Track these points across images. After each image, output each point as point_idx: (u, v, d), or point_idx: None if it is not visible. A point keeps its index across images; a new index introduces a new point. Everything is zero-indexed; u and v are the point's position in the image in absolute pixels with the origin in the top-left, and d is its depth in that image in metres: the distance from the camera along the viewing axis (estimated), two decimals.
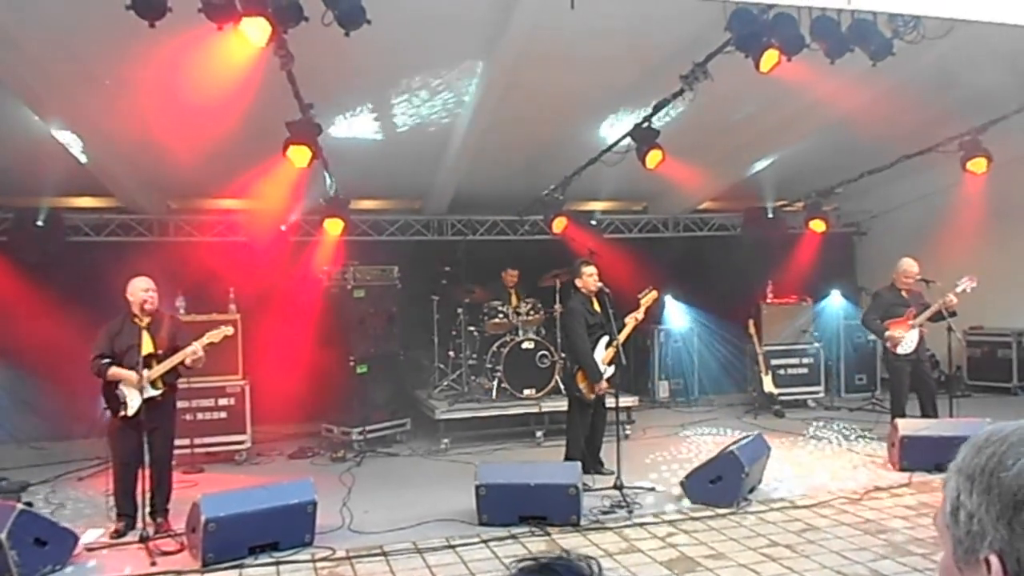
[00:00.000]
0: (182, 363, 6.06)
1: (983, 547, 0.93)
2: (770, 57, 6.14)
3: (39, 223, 9.22)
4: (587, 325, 7.33)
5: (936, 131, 8.74)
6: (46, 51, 6.03)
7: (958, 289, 8.01)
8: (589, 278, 7.39)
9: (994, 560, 0.91)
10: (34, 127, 6.95)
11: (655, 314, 11.41)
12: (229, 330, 6.30)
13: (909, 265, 8.35)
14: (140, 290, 6.09)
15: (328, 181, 8.55)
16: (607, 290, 7.27)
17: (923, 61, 6.84)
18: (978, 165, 8.60)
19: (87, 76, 6.54)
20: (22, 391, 8.87)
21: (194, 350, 6.02)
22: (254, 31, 5.05)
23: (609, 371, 7.33)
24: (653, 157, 7.88)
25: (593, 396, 7.32)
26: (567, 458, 7.25)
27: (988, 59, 7.19)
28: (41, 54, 6.06)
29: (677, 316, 11.79)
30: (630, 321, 7.28)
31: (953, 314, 8.09)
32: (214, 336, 6.14)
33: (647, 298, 7.40)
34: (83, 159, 7.57)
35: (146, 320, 6.05)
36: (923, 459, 7.07)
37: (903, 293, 8.38)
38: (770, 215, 11.89)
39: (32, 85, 6.42)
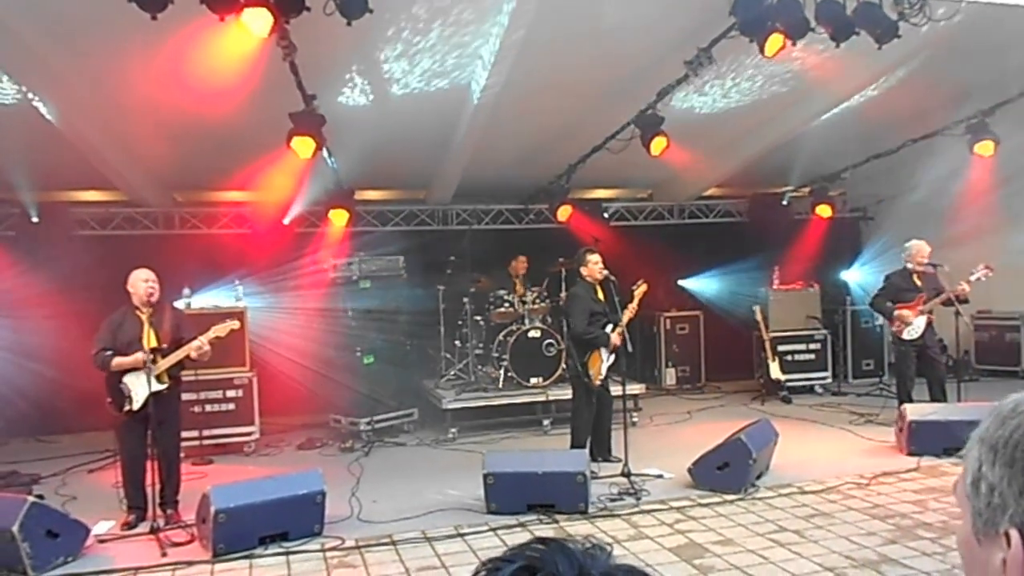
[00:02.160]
0: (187, 356, 6.04)
1: (1003, 521, 0.90)
2: (775, 41, 6.10)
3: (34, 219, 9.18)
4: (590, 313, 7.33)
5: (943, 114, 8.68)
6: (49, 45, 6.03)
7: (972, 277, 7.97)
8: (594, 266, 7.37)
9: (1014, 534, 0.89)
10: (37, 122, 6.95)
11: (662, 302, 11.44)
12: (235, 324, 6.27)
13: (921, 246, 8.29)
14: (141, 281, 6.04)
15: (330, 163, 8.47)
16: (612, 278, 7.26)
17: (930, 43, 6.79)
18: (985, 148, 8.55)
19: (90, 70, 6.54)
20: (32, 385, 8.91)
21: (199, 344, 5.97)
22: (256, 22, 5.04)
23: (611, 359, 7.34)
24: (658, 144, 7.86)
25: (599, 383, 7.33)
26: (573, 446, 7.27)
27: (995, 41, 7.14)
28: (44, 48, 6.05)
29: (683, 302, 11.80)
30: (625, 315, 7.25)
31: (965, 301, 8.05)
32: (220, 330, 6.11)
33: (639, 291, 7.37)
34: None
35: (148, 312, 6.02)
36: (931, 444, 7.06)
37: (915, 277, 8.33)
38: (784, 202, 11.81)
39: (34, 77, 6.41)
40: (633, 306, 7.33)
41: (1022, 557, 0.88)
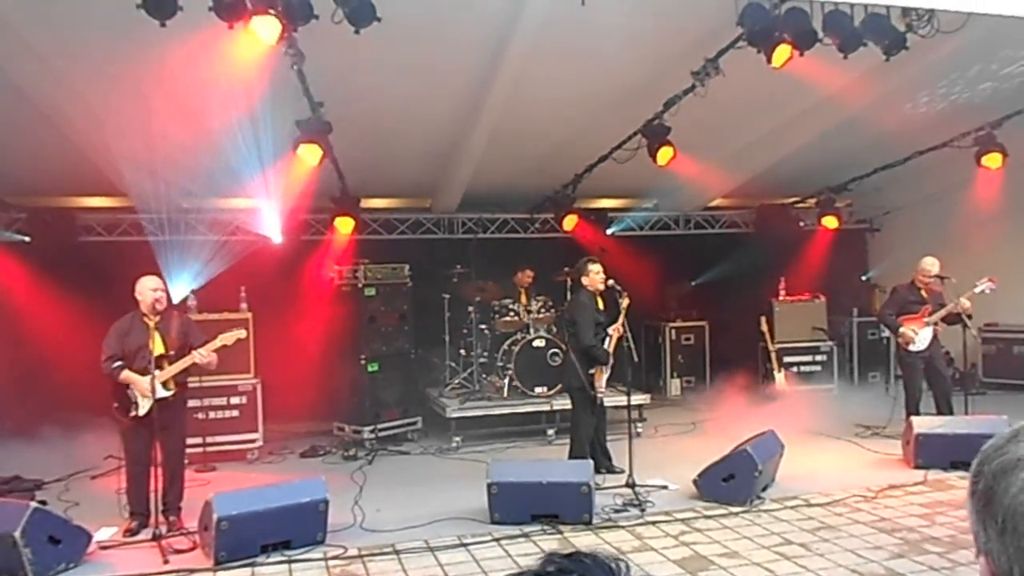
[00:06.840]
0: (192, 363, 6.05)
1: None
2: (782, 52, 6.10)
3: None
4: (595, 323, 7.30)
5: (950, 126, 8.66)
6: (56, 49, 6.04)
7: (976, 290, 7.93)
8: (595, 276, 7.35)
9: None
10: (44, 126, 6.97)
11: (667, 313, 11.43)
12: (242, 333, 6.25)
13: (928, 263, 8.28)
14: (149, 289, 6.05)
15: (337, 174, 8.47)
16: (618, 288, 7.20)
17: (937, 55, 6.77)
18: (993, 160, 8.53)
19: (98, 75, 6.55)
20: (38, 390, 8.91)
21: (202, 355, 6.00)
22: (264, 29, 5.06)
23: (608, 371, 7.30)
24: (664, 154, 7.85)
25: (600, 392, 7.29)
26: (572, 457, 7.22)
27: (1003, 53, 7.12)
28: (51, 53, 6.06)
29: (688, 313, 11.77)
30: (614, 333, 7.18)
31: (970, 316, 8.02)
32: (227, 339, 6.11)
33: (623, 304, 7.25)
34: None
35: (155, 319, 6.01)
36: (938, 457, 7.01)
37: (922, 291, 8.32)
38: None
39: (42, 84, 6.43)
40: (620, 322, 7.20)
41: None
